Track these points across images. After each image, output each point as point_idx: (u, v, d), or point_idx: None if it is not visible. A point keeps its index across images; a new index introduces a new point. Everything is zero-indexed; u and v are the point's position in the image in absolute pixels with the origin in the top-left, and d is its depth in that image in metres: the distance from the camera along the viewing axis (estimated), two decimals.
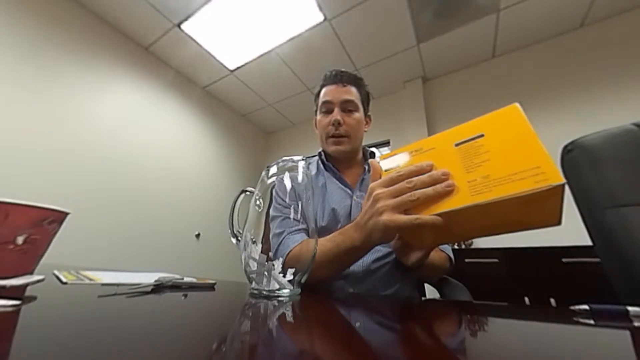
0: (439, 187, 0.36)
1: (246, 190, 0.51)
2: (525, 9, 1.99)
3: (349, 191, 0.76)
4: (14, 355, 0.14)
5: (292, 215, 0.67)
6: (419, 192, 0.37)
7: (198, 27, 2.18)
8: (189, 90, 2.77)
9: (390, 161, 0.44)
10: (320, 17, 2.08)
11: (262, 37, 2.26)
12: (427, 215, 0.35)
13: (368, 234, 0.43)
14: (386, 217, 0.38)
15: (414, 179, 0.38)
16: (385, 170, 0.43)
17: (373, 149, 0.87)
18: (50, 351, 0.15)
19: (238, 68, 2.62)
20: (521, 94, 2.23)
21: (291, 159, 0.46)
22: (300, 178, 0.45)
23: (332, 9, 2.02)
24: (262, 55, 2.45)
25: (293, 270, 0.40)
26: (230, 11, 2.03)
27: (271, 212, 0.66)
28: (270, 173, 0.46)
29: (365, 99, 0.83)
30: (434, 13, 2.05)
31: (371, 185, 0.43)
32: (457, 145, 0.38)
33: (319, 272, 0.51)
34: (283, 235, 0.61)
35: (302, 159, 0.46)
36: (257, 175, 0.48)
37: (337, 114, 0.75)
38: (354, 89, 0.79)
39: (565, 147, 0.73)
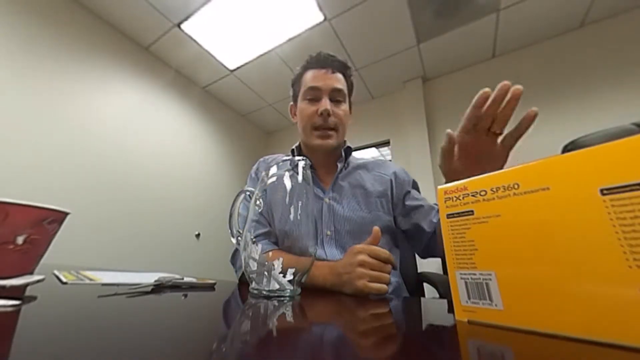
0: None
1: (246, 191, 0.51)
2: (525, 9, 1.99)
3: (321, 193, 0.71)
4: (14, 355, 0.14)
5: (257, 219, 0.64)
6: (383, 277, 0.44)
7: (198, 27, 2.18)
8: (188, 90, 2.77)
9: (460, 200, 0.28)
10: (320, 17, 2.08)
11: (262, 37, 2.26)
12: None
13: (341, 284, 0.47)
14: (362, 283, 0.44)
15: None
16: (448, 216, 0.29)
17: (349, 145, 0.79)
18: (50, 351, 0.15)
19: (238, 68, 2.62)
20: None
21: (291, 158, 0.46)
22: (300, 178, 0.45)
23: (332, 9, 2.02)
24: (262, 55, 2.45)
25: (293, 270, 0.40)
26: (230, 11, 2.03)
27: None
28: (270, 173, 0.46)
29: (351, 89, 0.76)
30: (434, 13, 2.04)
31: (360, 247, 0.47)
32: (606, 192, 0.20)
33: None
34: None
35: (302, 159, 0.46)
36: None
37: (326, 104, 0.67)
38: (342, 77, 0.72)
39: (565, 146, 0.73)
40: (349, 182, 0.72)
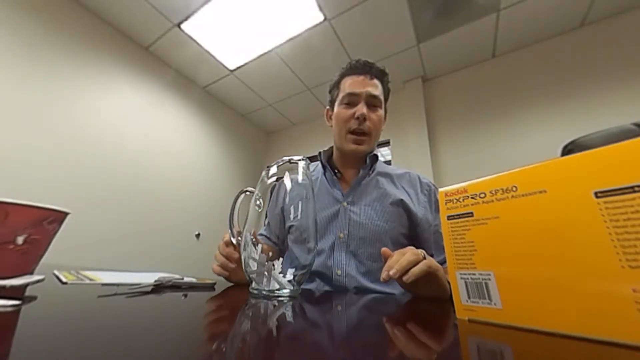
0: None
1: (246, 190, 0.51)
2: (525, 9, 1.99)
3: (340, 197, 0.71)
4: (14, 355, 0.14)
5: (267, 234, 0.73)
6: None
7: (198, 27, 2.17)
8: (189, 90, 2.77)
9: (460, 202, 0.29)
10: (320, 17, 2.08)
11: (262, 37, 2.26)
12: None
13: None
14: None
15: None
16: (449, 218, 0.30)
17: (375, 153, 0.80)
18: (50, 351, 0.15)
19: (238, 68, 2.62)
20: (521, 94, 2.23)
21: (290, 158, 0.46)
22: (300, 178, 0.45)
23: (332, 9, 2.02)
24: (262, 55, 2.45)
25: (293, 270, 0.40)
26: (230, 11, 2.03)
27: None
28: (270, 173, 0.46)
29: (387, 97, 0.77)
30: (434, 13, 2.04)
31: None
32: (600, 195, 0.20)
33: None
34: None
35: (302, 159, 0.46)
36: (257, 175, 0.48)
37: (362, 108, 0.69)
38: (379, 84, 0.73)
39: (566, 146, 0.73)
40: (368, 189, 0.72)
